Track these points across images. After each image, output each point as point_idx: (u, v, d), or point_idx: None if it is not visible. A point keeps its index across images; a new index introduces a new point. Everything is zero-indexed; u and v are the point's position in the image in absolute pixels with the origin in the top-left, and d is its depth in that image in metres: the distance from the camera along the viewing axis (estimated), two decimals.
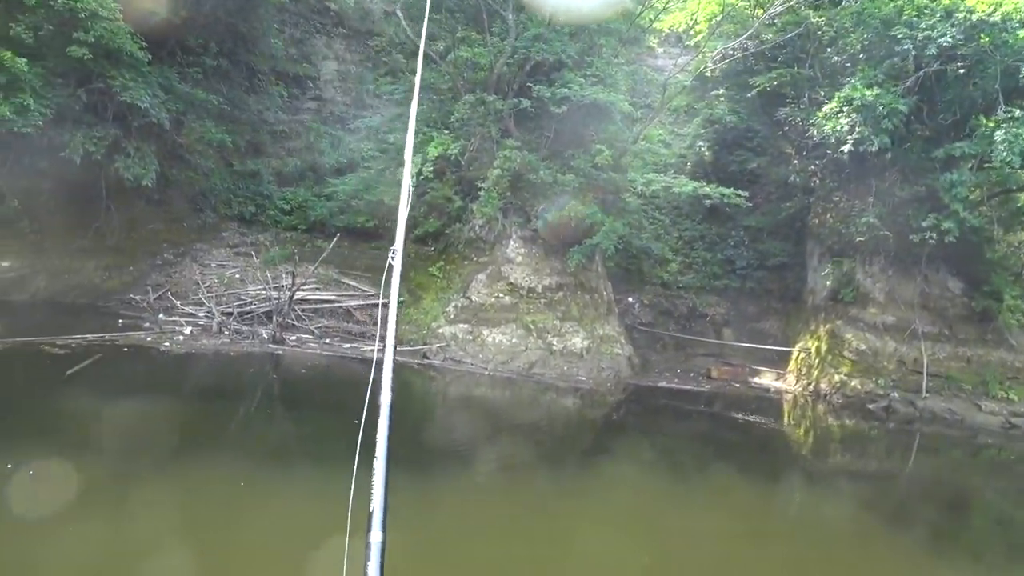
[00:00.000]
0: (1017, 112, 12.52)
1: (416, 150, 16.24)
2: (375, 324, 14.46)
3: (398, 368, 11.60)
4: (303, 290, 14.15)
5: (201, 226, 15.83)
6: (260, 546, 6.52)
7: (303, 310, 13.98)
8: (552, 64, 15.37)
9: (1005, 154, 12.15)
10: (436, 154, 15.29)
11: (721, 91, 19.43)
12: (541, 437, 11.24)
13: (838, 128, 13.92)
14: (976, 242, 15.16)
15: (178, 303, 13.60)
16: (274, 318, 13.27)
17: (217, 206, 16.24)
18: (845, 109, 13.73)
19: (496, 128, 15.64)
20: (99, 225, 14.30)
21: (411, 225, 16.86)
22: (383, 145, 18.51)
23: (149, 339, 12.24)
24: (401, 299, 15.01)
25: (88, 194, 14.01)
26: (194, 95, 15.41)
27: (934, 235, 13.73)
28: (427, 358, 13.67)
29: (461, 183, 16.67)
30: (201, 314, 13.36)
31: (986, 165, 13.42)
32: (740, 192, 15.72)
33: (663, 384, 15.21)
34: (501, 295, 14.70)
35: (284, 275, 14.26)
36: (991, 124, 12.68)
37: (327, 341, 13.46)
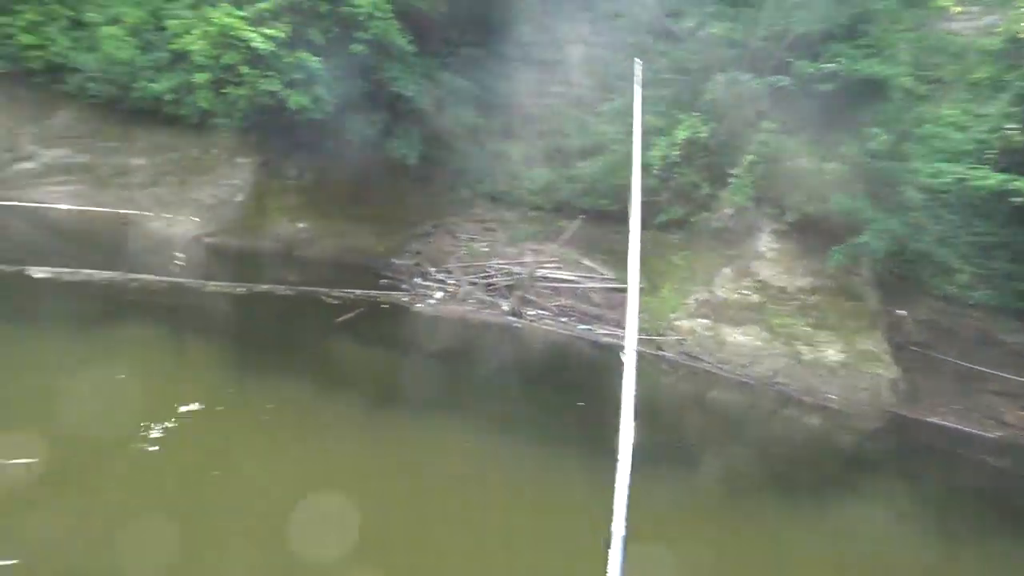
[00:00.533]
0: None
1: (662, 133, 15.77)
2: (611, 308, 14.42)
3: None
4: (544, 267, 14.62)
5: (456, 201, 17.10)
6: (478, 507, 6.86)
7: (543, 287, 14.43)
8: (816, 36, 13.84)
9: None
10: (684, 137, 14.72)
11: None
12: (776, 457, 10.35)
13: None
14: None
15: (432, 270, 14.90)
16: (515, 292, 13.90)
17: (471, 183, 17.39)
18: None
19: (751, 110, 14.56)
20: (373, 197, 16.14)
21: (654, 211, 16.48)
22: (629, 128, 18.25)
23: (405, 299, 13.62)
24: (640, 286, 14.73)
25: (365, 171, 15.86)
26: (453, 83, 16.61)
27: None
28: (661, 350, 13.32)
29: (710, 169, 15.83)
30: (451, 282, 14.50)
31: None
32: None
33: (934, 420, 12.80)
34: (747, 292, 13.74)
35: (527, 252, 14.84)
36: None
37: (563, 320, 13.77)
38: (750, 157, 14.02)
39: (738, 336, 13.26)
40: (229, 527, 5.99)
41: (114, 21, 15.52)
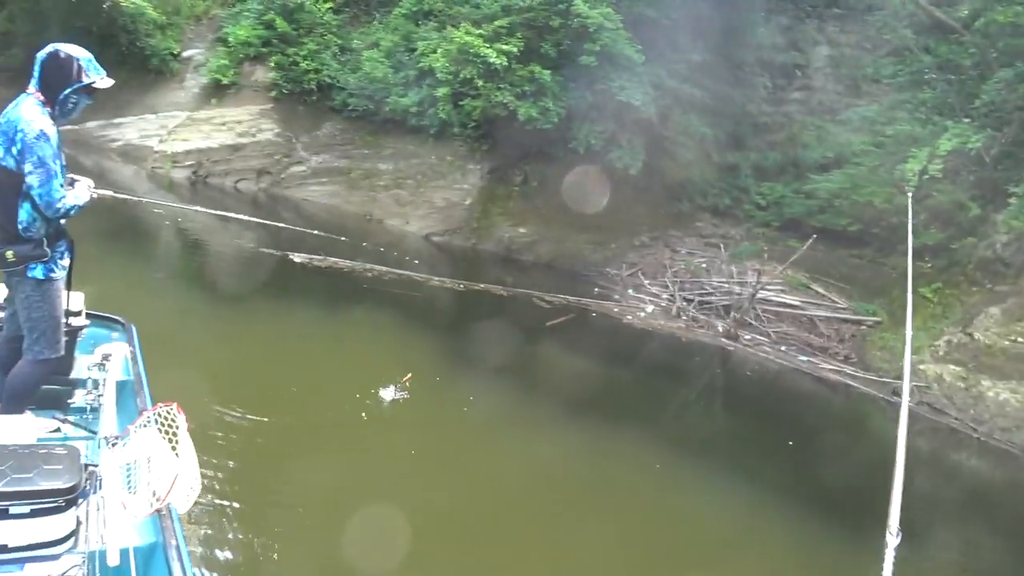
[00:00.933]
0: None
1: (922, 143, 13.78)
2: (840, 340, 12.97)
3: (855, 397, 10.19)
4: (767, 290, 13.57)
5: (677, 214, 16.57)
6: (664, 535, 6.53)
7: (763, 311, 13.41)
8: None
9: None
10: (949, 148, 12.70)
11: None
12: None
13: None
14: None
15: (646, 282, 14.59)
16: (732, 313, 13.10)
17: (693, 196, 16.76)
18: None
19: None
20: (591, 206, 16.27)
21: (903, 234, 14.44)
22: (878, 138, 16.26)
23: (616, 310, 13.51)
24: (878, 318, 13.09)
25: (588, 180, 16.05)
26: (680, 91, 16.09)
27: None
28: (896, 396, 11.63)
29: (981, 186, 13.53)
30: (664, 296, 14.06)
31: None
32: None
33: None
34: (1020, 339, 11.46)
35: (750, 271, 13.88)
36: None
37: (782, 348, 12.65)
38: None
39: (1002, 392, 11.06)
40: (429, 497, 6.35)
41: (373, 46, 17.56)
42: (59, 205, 3.38)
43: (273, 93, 17.19)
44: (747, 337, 12.78)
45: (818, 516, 7.36)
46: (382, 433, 7.27)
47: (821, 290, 13.85)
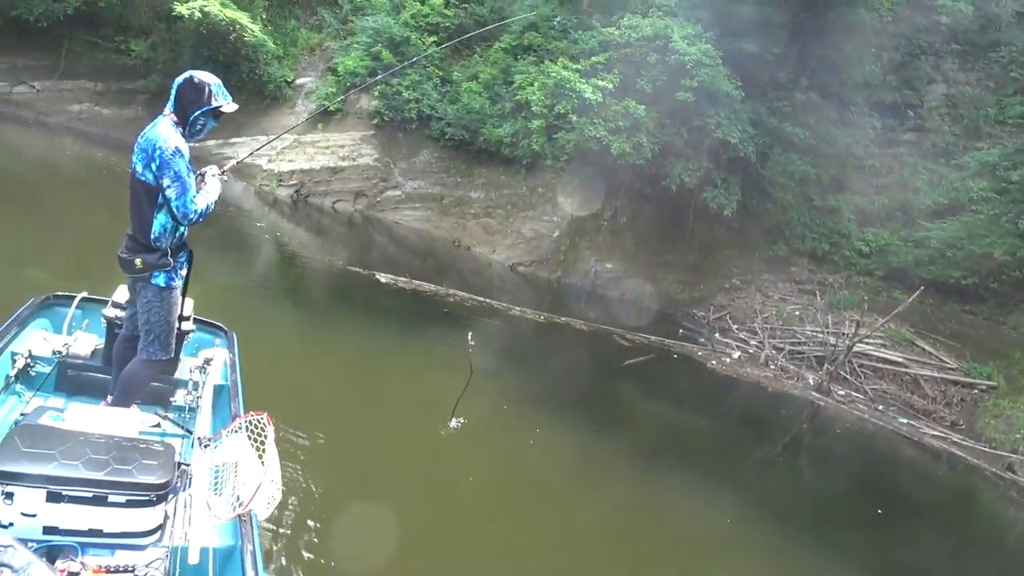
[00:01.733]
0: None
1: None
2: (946, 404, 11.96)
3: (961, 468, 9.29)
4: (865, 343, 12.72)
5: (771, 257, 15.91)
6: None
7: (860, 365, 12.57)
8: None
9: None
10: None
11: None
12: None
13: None
14: None
15: (734, 327, 14.00)
16: (825, 365, 12.33)
17: (790, 239, 16.06)
18: None
19: None
20: (683, 245, 15.91)
21: None
22: (1000, 184, 15.15)
23: (700, 353, 12.99)
24: (993, 382, 11.98)
25: (678, 217, 15.73)
26: (781, 129, 15.58)
27: None
28: (1012, 471, 10.55)
29: None
30: (752, 342, 13.42)
31: None
32: None
33: None
34: None
35: (847, 322, 13.07)
36: None
37: (879, 407, 11.78)
38: None
39: None
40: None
41: (473, 78, 18.06)
42: (194, 214, 3.64)
43: (375, 120, 17.95)
44: (840, 392, 11.99)
45: None
46: (444, 459, 7.24)
47: (928, 347, 12.86)
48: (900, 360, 12.61)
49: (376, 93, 17.92)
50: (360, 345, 9.93)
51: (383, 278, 12.83)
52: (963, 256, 13.95)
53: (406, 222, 17.50)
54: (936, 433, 11.30)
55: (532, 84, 15.70)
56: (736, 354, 12.91)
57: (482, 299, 12.97)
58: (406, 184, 17.97)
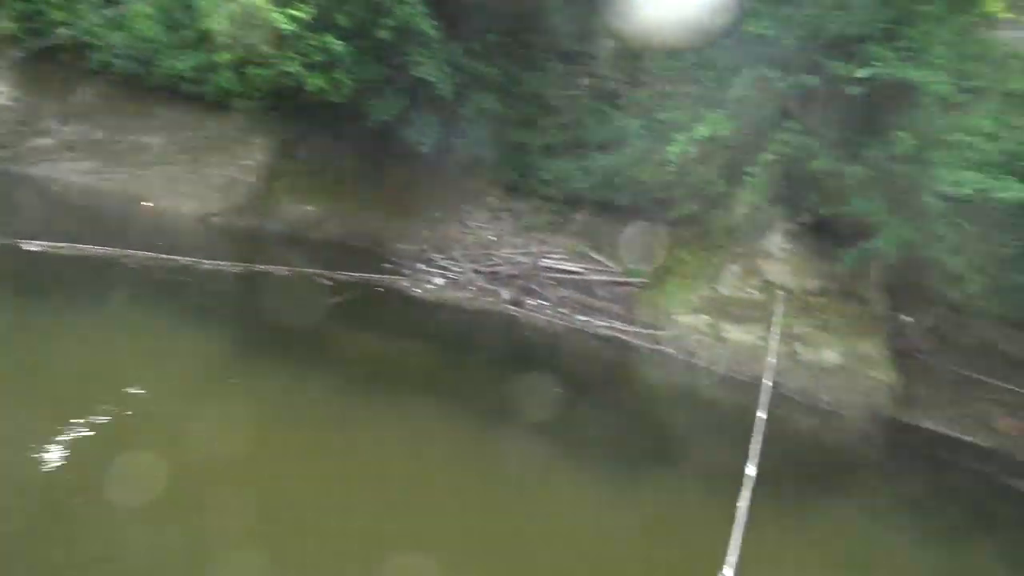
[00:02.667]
0: None
1: (682, 128, 15.52)
2: (614, 301, 14.27)
3: (625, 348, 11.27)
4: (550, 259, 14.53)
5: (469, 190, 17.02)
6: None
7: (546, 278, 14.36)
8: (854, 37, 13.35)
9: None
10: (705, 135, 14.38)
11: None
12: (767, 457, 10.04)
13: None
14: None
15: (437, 257, 14.89)
16: (517, 281, 13.85)
17: (485, 173, 17.29)
18: None
19: (775, 108, 14.21)
20: (384, 183, 16.20)
21: (667, 206, 16.23)
22: (651, 123, 18.06)
23: (405, 284, 13.65)
24: (644, 279, 14.60)
25: (379, 155, 15.93)
26: (477, 70, 16.49)
27: None
28: (657, 344, 13.14)
29: (728, 166, 15.50)
30: (454, 269, 14.51)
31: None
32: None
33: (928, 425, 12.63)
34: (753, 291, 13.47)
35: (534, 242, 14.76)
36: None
37: (562, 311, 13.67)
38: (769, 156, 13.70)
39: (738, 334, 13.05)
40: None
41: None
42: None
43: (10, 48, 14.82)
44: (531, 303, 13.63)
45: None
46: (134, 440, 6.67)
47: (598, 256, 15.12)
48: (577, 270, 14.69)
49: (10, 13, 14.73)
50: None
51: (31, 246, 10.91)
52: (623, 181, 16.44)
53: (64, 176, 14.89)
54: (605, 324, 13.51)
55: (217, 11, 14.22)
56: (438, 281, 13.84)
57: (167, 256, 11.82)
58: (61, 129, 15.26)
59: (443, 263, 14.62)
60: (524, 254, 14.64)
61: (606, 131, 18.57)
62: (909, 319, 15.11)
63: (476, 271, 14.44)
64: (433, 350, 11.47)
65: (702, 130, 14.36)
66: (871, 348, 13.24)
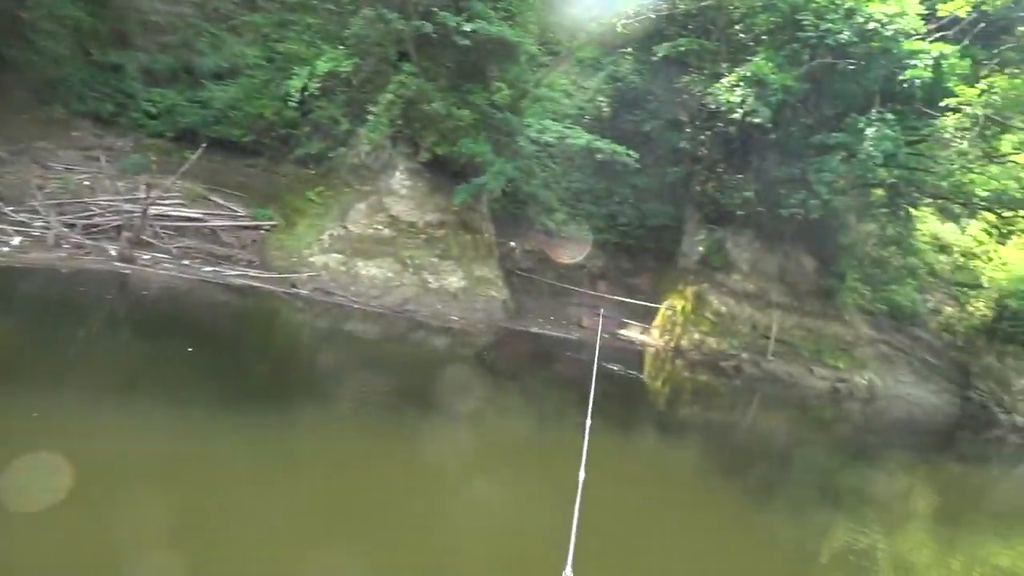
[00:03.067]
0: (888, 115, 13.47)
1: (304, 62, 15.15)
2: (243, 247, 13.63)
3: (263, 296, 11.01)
4: (164, 205, 13.01)
5: (46, 121, 13.84)
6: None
7: (161, 227, 12.86)
8: None
9: (872, 150, 13.11)
10: (326, 70, 14.29)
11: (629, 50, 19.39)
12: (409, 374, 11.20)
13: (733, 99, 14.48)
14: (832, 227, 16.49)
15: (7, 209, 11.76)
16: (124, 233, 12.01)
17: (68, 100, 14.31)
18: (742, 83, 14.27)
19: (394, 50, 14.83)
20: None
21: (292, 144, 15.86)
22: (271, 53, 17.12)
23: None
24: (274, 222, 14.19)
25: None
26: None
27: (801, 212, 14.82)
28: (295, 287, 13.11)
29: (351, 105, 15.75)
30: (37, 223, 11.76)
31: (853, 158, 14.39)
32: (631, 152, 16.01)
33: (535, 330, 15.62)
34: (380, 227, 14.29)
35: (143, 187, 12.92)
36: (864, 121, 13.54)
37: (186, 263, 12.49)
38: (389, 96, 14.31)
39: (371, 269, 13.84)
40: None
41: None
42: None
43: None
44: (146, 257, 12.04)
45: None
46: None
47: (220, 200, 14.09)
48: (198, 216, 13.49)
49: None
50: None
51: None
52: (242, 116, 15.47)
53: None
54: (237, 273, 12.83)
55: None
56: (16, 240, 11.15)
57: None
58: None
59: (20, 217, 11.69)
60: (130, 201, 12.78)
61: (221, 58, 17.05)
62: (514, 244, 17.94)
63: (68, 224, 11.98)
64: (18, 327, 9.24)
65: (323, 65, 14.28)
66: (487, 271, 15.40)
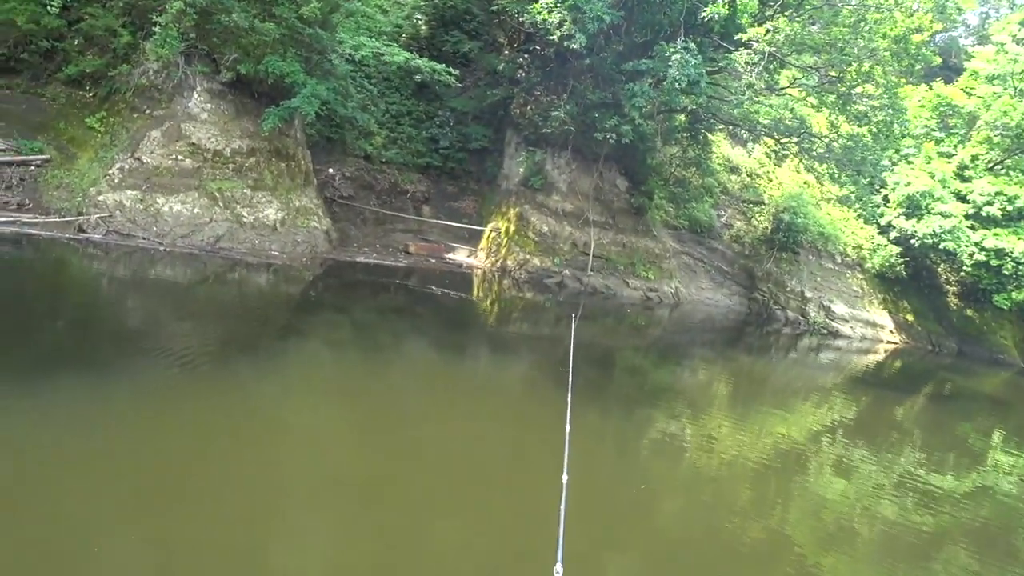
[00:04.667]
0: (691, 44, 14.42)
1: None
2: (8, 188, 11.58)
3: (44, 244, 9.51)
4: None
5: None
6: None
7: None
8: None
9: (676, 75, 14.01)
10: None
11: None
12: (230, 320, 10.39)
13: (549, 20, 14.61)
14: (642, 149, 17.71)
15: None
16: None
17: None
18: (559, 6, 14.41)
19: None
20: None
21: (60, 60, 13.53)
22: None
23: None
24: (45, 157, 12.15)
25: None
26: None
27: (613, 136, 15.64)
28: (83, 231, 11.46)
29: (131, 13, 13.68)
30: None
31: (661, 84, 15.32)
32: (451, 71, 15.74)
33: (361, 259, 15.26)
34: (180, 157, 12.80)
35: None
36: (671, 49, 14.40)
37: None
38: (178, 4, 12.58)
39: (175, 206, 12.47)
40: None
41: None
42: None
43: None
44: None
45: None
46: None
47: None
48: None
49: None
50: None
51: None
52: None
53: None
54: (5, 219, 10.94)
55: None
56: None
57: None
58: None
59: None
60: None
61: None
62: (332, 171, 17.10)
63: None
64: None
65: None
66: (306, 201, 14.56)
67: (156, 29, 12.62)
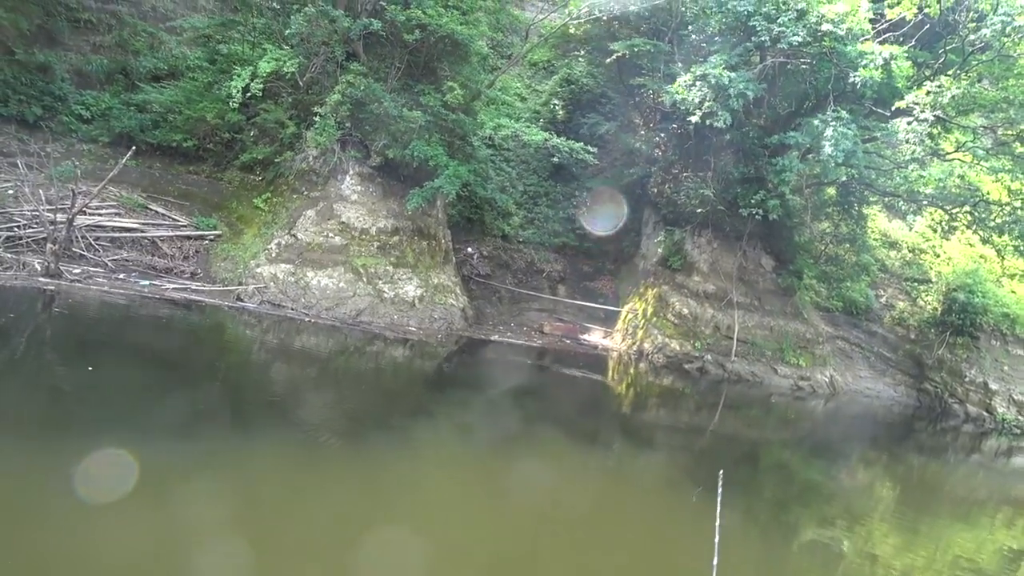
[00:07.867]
0: (843, 113, 13.48)
1: (246, 63, 14.49)
2: (185, 259, 12.86)
3: (208, 310, 10.22)
4: (98, 215, 12.16)
5: None
6: None
7: (95, 239, 12.01)
8: None
9: (831, 150, 13.06)
10: (269, 70, 13.63)
11: (582, 52, 19.29)
12: (367, 392, 10.62)
13: (689, 99, 14.19)
14: (789, 226, 16.60)
15: None
16: (48, 246, 11.10)
17: None
18: (698, 83, 14.02)
19: (341, 49, 14.26)
20: None
21: (237, 149, 15.16)
22: (212, 55, 16.37)
23: None
24: (217, 232, 13.46)
25: None
26: None
27: (759, 212, 14.75)
28: (240, 300, 12.38)
29: (297, 107, 15.16)
30: None
31: (809, 156, 14.39)
32: (589, 148, 15.72)
33: (496, 337, 15.17)
34: (331, 235, 13.65)
35: (75, 195, 12.02)
36: (822, 121, 13.53)
37: (121, 276, 11.66)
38: (336, 97, 13.74)
39: (322, 279, 13.19)
40: None
41: None
42: None
43: None
44: (76, 271, 11.18)
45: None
46: None
47: (160, 209, 13.30)
48: (136, 226, 12.67)
49: None
50: None
51: None
52: (183, 120, 14.67)
53: None
54: (177, 286, 12.04)
55: None
56: None
57: None
58: None
59: None
60: (57, 211, 11.86)
61: (158, 59, 16.23)
62: (471, 250, 17.54)
63: None
64: None
65: (265, 65, 13.65)
66: (444, 278, 14.92)
67: (316, 119, 13.83)
